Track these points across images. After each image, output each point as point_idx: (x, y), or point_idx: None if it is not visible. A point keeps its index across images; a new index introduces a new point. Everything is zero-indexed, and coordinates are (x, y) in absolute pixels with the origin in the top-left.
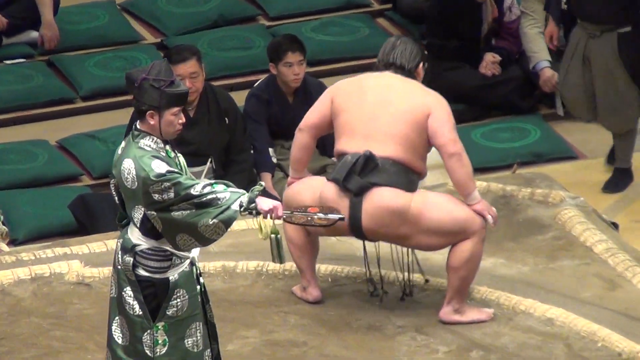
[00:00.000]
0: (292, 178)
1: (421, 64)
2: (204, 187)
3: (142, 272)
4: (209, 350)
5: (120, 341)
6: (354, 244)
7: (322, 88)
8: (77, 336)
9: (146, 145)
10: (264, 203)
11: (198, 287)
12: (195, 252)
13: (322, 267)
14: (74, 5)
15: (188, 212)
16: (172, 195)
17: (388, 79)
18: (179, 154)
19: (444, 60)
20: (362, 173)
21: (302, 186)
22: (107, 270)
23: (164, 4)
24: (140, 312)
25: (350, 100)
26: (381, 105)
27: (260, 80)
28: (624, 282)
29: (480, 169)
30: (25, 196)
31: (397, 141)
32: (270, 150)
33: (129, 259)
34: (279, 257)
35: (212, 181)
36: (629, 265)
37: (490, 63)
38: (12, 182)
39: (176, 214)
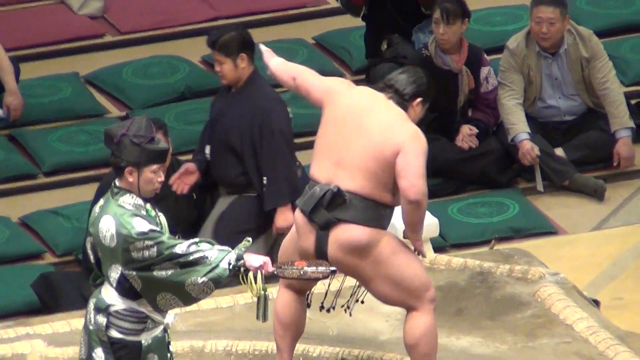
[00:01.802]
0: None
1: (419, 99)
2: (189, 245)
3: (115, 334)
4: None
5: None
6: (326, 323)
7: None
8: None
9: (126, 203)
10: (253, 259)
11: (169, 354)
12: (169, 319)
13: (298, 347)
14: (36, 78)
15: (172, 271)
16: (154, 254)
17: (378, 103)
18: (159, 213)
19: None
20: (329, 207)
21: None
22: (72, 350)
23: (129, 76)
24: None
25: (332, 119)
26: (356, 133)
27: None
28: None
29: (457, 245)
30: None
31: (364, 176)
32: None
33: (102, 320)
34: (263, 315)
35: (197, 239)
36: (611, 344)
37: (467, 136)
38: None
39: (159, 273)
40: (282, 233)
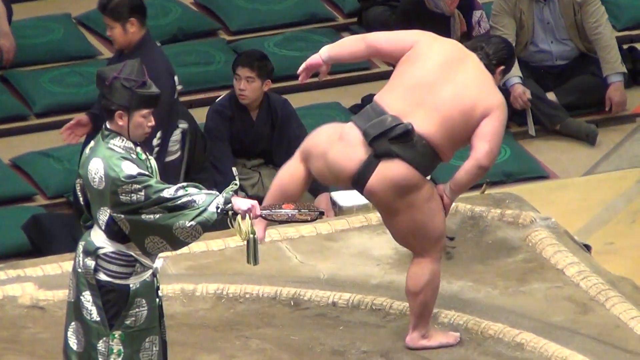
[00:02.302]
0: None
1: (503, 67)
2: (177, 189)
3: (103, 277)
4: None
5: (75, 347)
6: (316, 266)
7: (286, 105)
8: None
9: (116, 145)
10: (241, 203)
11: (157, 300)
12: (158, 263)
13: (284, 291)
14: (28, 19)
15: (160, 214)
16: (142, 198)
17: (470, 60)
18: (150, 157)
19: None
20: (393, 140)
21: (321, 129)
22: (62, 293)
23: None
24: (98, 318)
25: (422, 59)
26: (449, 81)
27: (222, 96)
28: (596, 306)
29: None
30: None
31: (442, 123)
32: (233, 169)
33: (91, 262)
34: (254, 258)
35: (184, 184)
36: (602, 289)
37: None
38: None
39: (147, 216)
40: None
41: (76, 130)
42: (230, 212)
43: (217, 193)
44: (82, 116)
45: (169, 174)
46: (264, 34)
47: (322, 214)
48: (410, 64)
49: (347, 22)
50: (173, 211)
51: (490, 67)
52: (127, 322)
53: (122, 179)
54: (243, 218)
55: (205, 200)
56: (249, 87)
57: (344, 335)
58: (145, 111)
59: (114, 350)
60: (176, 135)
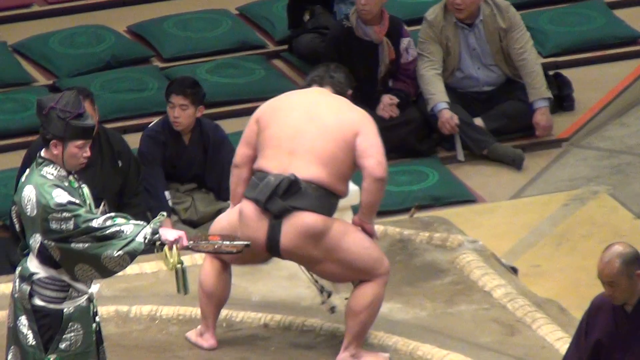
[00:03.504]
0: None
1: (350, 91)
2: (105, 220)
3: (37, 302)
4: None
5: None
6: (248, 288)
7: (218, 130)
8: None
9: (49, 173)
10: (168, 234)
11: (94, 324)
12: (93, 289)
13: (222, 313)
14: None
15: (89, 244)
16: (71, 226)
17: (316, 94)
18: (83, 185)
19: None
20: (284, 196)
21: (220, 217)
22: (0, 315)
23: (55, 45)
24: (34, 342)
25: (275, 115)
26: (308, 120)
27: (155, 121)
28: (523, 328)
29: (378, 213)
30: None
31: (322, 161)
32: (166, 193)
33: (26, 287)
34: (184, 288)
35: (113, 214)
36: (529, 311)
37: (387, 105)
38: None
39: (76, 245)
40: None
41: None
42: (157, 243)
43: (145, 224)
44: None
45: None
46: (195, 61)
47: (247, 245)
48: (266, 129)
49: (278, 50)
50: (101, 241)
51: (343, 92)
52: (62, 347)
53: (52, 207)
54: (170, 248)
55: (133, 230)
56: (183, 114)
57: (275, 356)
58: (79, 142)
59: None
60: None
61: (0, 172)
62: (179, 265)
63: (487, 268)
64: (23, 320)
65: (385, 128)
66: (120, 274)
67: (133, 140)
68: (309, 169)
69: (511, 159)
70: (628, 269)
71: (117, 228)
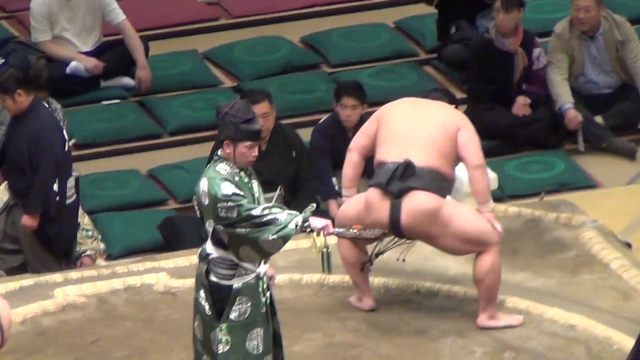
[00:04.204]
0: (345, 197)
1: (455, 105)
2: (263, 209)
3: (212, 278)
4: (270, 356)
5: (199, 336)
6: (401, 262)
7: None
8: (164, 338)
9: (222, 169)
10: (316, 222)
11: (263, 299)
12: (262, 269)
13: (376, 280)
14: (162, 54)
15: (250, 229)
16: (235, 214)
17: (427, 100)
18: (253, 180)
19: (481, 102)
20: (401, 178)
21: (346, 205)
22: (191, 282)
23: (240, 53)
24: (209, 313)
25: (392, 114)
26: (420, 118)
27: (324, 118)
28: (636, 294)
29: (512, 197)
30: (120, 218)
31: (433, 149)
32: (333, 179)
33: (204, 266)
34: (328, 269)
35: (270, 205)
36: None
37: (521, 105)
38: (108, 206)
39: (239, 230)
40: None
41: None
42: (307, 230)
43: (297, 213)
44: None
45: (70, 214)
46: (358, 67)
47: (385, 234)
48: (385, 126)
49: (428, 57)
50: (259, 227)
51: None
52: (231, 317)
53: (220, 197)
54: (318, 235)
55: (287, 218)
56: (353, 113)
57: (425, 317)
58: (248, 143)
59: (223, 340)
60: (71, 182)
61: (192, 161)
62: (324, 250)
63: (606, 243)
64: (202, 293)
65: (520, 125)
66: (294, 246)
67: (305, 134)
68: (422, 156)
69: (626, 151)
70: None
71: (273, 216)
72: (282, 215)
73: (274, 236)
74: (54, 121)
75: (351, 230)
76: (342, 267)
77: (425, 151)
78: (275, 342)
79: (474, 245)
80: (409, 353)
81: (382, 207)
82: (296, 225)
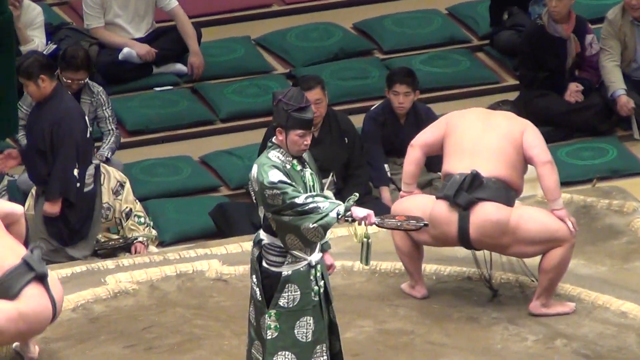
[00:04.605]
0: (404, 192)
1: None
2: (307, 198)
3: (264, 264)
4: (324, 345)
5: (252, 321)
6: (454, 247)
7: (430, 112)
8: (216, 325)
9: (274, 156)
10: (358, 211)
11: (316, 287)
12: (315, 257)
13: (428, 267)
14: (214, 41)
15: (293, 217)
16: (279, 202)
17: (493, 112)
18: (307, 169)
19: (534, 88)
20: (469, 189)
21: (412, 204)
22: (242, 269)
23: (292, 39)
24: (260, 298)
25: (460, 124)
26: (486, 129)
27: (376, 105)
28: None
29: (564, 183)
30: (172, 204)
31: (499, 159)
32: (385, 166)
33: (257, 251)
34: (365, 260)
35: (314, 194)
36: None
37: (574, 91)
38: (160, 192)
39: (284, 217)
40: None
41: (5, 162)
42: (349, 219)
43: (340, 202)
44: (12, 150)
45: (87, 202)
46: (411, 54)
47: (426, 224)
48: (451, 135)
49: (481, 44)
50: (302, 215)
51: None
52: (280, 303)
53: (266, 184)
54: (359, 224)
55: (329, 207)
56: (406, 100)
57: (476, 304)
58: (299, 131)
59: (272, 326)
60: (90, 170)
61: (244, 147)
62: (365, 239)
63: None
64: (254, 279)
65: (572, 111)
66: (346, 233)
67: (357, 120)
68: (488, 167)
69: None
70: None
71: (315, 205)
72: (325, 203)
73: (315, 224)
74: (76, 107)
75: (393, 220)
76: (395, 254)
77: (492, 162)
78: (331, 331)
79: (546, 246)
80: (460, 340)
81: (450, 218)
82: (338, 214)
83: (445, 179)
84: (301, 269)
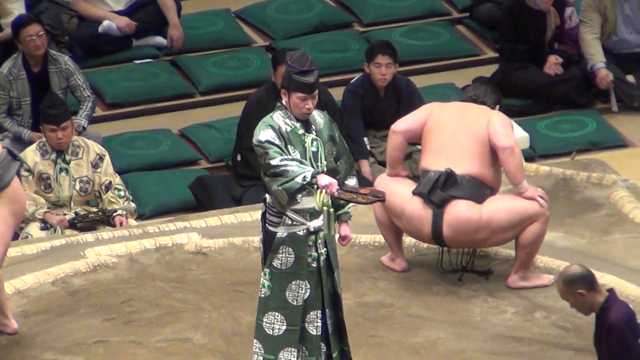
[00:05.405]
0: (389, 174)
1: (498, 105)
2: (282, 160)
3: (266, 223)
4: (318, 311)
5: None
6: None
7: (409, 84)
8: (195, 298)
9: (276, 116)
10: (322, 179)
11: (315, 254)
12: (314, 223)
13: (407, 240)
14: (194, 13)
15: (268, 178)
16: (263, 161)
17: (468, 106)
18: (310, 135)
19: (513, 61)
20: (443, 187)
21: (394, 188)
22: (222, 242)
23: (272, 12)
24: (262, 257)
25: (439, 121)
26: (459, 127)
27: (356, 78)
28: None
29: (544, 156)
30: (151, 177)
31: (473, 158)
32: (365, 139)
33: (263, 208)
34: (327, 227)
35: (290, 157)
36: None
37: (553, 64)
38: (140, 165)
39: (265, 178)
40: None
41: None
42: (314, 186)
43: (311, 169)
44: None
45: None
46: (391, 26)
47: (382, 200)
48: (430, 133)
49: (461, 17)
50: (274, 176)
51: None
52: (274, 264)
53: (255, 142)
54: (321, 192)
55: (297, 171)
56: (388, 71)
57: (456, 277)
58: (300, 94)
59: (265, 285)
60: None
61: (224, 120)
62: (325, 208)
63: (637, 203)
64: (260, 236)
65: (551, 84)
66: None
67: (337, 93)
68: (462, 165)
69: None
70: (570, 289)
71: (286, 167)
72: (294, 167)
73: (280, 187)
74: None
75: (350, 193)
76: (375, 227)
77: (466, 160)
78: (335, 303)
79: (522, 226)
80: (440, 313)
81: (424, 215)
82: (303, 179)
83: (422, 176)
84: (298, 232)
